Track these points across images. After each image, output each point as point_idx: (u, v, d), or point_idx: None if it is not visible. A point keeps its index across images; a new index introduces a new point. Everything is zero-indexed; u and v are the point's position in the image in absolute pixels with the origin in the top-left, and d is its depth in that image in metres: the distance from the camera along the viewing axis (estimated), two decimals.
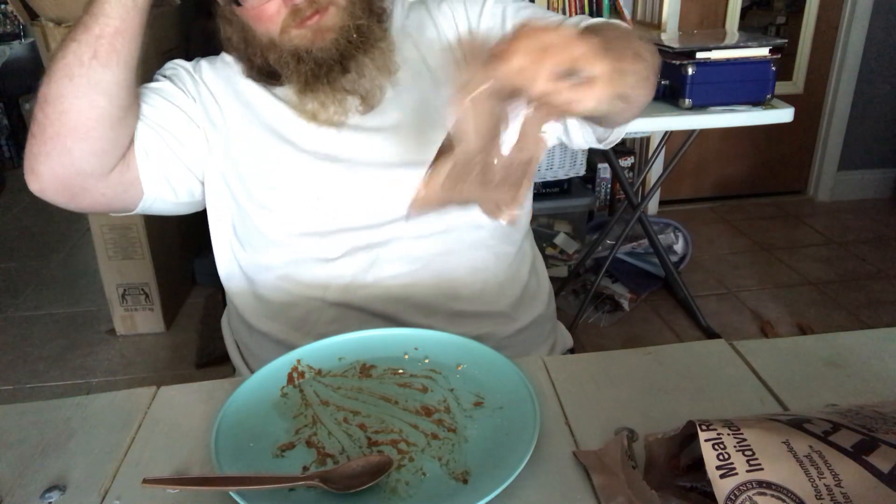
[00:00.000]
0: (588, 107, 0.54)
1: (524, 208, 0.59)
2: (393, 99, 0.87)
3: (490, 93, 0.54)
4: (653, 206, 3.07)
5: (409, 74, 0.88)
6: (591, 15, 2.66)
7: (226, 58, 0.91)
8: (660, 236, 2.40)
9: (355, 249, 0.85)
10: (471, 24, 0.90)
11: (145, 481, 0.57)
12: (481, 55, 0.55)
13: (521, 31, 0.54)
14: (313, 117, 0.85)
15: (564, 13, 2.66)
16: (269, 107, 0.88)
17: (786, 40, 1.99)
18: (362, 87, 0.84)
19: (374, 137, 0.86)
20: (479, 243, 0.88)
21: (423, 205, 0.59)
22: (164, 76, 0.89)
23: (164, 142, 0.84)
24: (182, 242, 2.47)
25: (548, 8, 2.61)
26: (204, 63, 0.92)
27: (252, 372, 0.74)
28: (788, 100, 1.92)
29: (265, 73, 0.86)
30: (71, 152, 0.74)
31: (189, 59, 0.93)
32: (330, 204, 0.86)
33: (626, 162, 2.84)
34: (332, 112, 0.84)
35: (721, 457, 0.48)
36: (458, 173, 0.58)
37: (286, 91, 0.87)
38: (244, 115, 0.88)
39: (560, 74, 0.53)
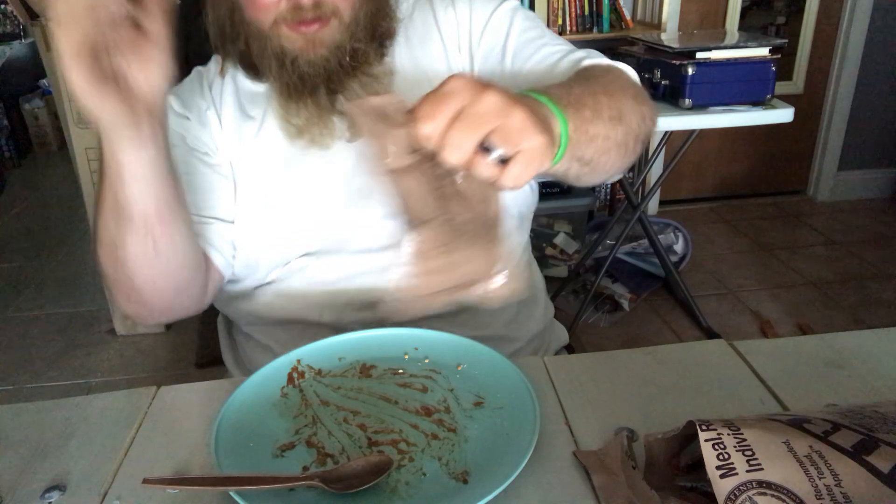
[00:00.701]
0: (510, 186, 0.49)
1: (509, 278, 0.53)
2: None
3: (412, 158, 0.49)
4: (653, 206, 3.08)
5: (408, 87, 0.81)
6: (591, 15, 2.65)
7: (210, 67, 0.88)
8: (660, 236, 2.40)
9: (353, 275, 0.83)
10: (472, 30, 0.85)
11: (145, 481, 0.57)
12: (399, 114, 0.49)
13: (447, 86, 0.48)
14: (299, 134, 0.81)
15: (565, 13, 2.65)
16: (257, 121, 0.84)
17: (786, 40, 2.00)
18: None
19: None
20: None
21: (423, 302, 0.52)
22: (184, 146, 0.83)
23: (229, 231, 0.83)
24: None
25: (548, 8, 2.61)
26: (187, 96, 0.86)
27: (245, 374, 0.74)
28: (788, 100, 1.92)
29: (246, 63, 0.81)
30: (167, 299, 0.75)
31: (189, 59, 0.91)
32: (326, 226, 0.83)
33: None
34: (318, 133, 0.80)
35: (721, 457, 0.48)
36: (434, 248, 0.51)
37: (274, 105, 0.82)
38: (239, 131, 0.85)
39: (481, 145, 0.47)
